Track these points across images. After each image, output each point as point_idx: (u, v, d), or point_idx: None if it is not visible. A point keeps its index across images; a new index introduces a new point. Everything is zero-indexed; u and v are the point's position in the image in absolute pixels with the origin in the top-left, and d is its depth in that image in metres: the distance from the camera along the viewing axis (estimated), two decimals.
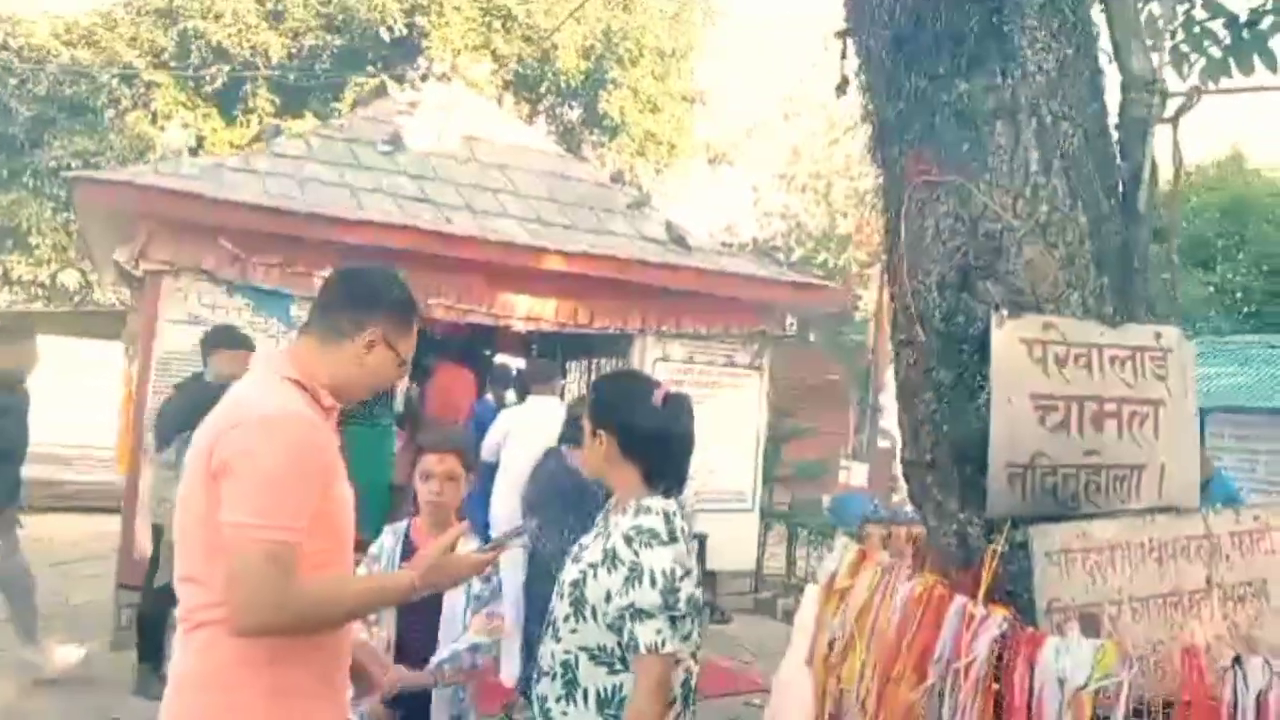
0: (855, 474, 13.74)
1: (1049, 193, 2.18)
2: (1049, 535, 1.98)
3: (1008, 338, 2.03)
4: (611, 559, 2.02)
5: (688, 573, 2.02)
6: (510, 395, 6.72)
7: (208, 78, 13.47)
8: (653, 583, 1.95)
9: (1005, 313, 2.06)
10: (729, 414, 7.67)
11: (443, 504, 2.71)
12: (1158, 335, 2.24)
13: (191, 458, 1.80)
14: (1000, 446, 1.99)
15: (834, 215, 15.20)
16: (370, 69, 13.68)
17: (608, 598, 1.99)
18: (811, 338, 14.61)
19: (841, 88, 2.71)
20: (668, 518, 2.08)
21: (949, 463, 2.14)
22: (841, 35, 2.64)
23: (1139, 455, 2.12)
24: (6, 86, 13.20)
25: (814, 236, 15.26)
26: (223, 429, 1.75)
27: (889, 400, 10.70)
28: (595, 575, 2.03)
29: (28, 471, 8.75)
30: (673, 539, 2.04)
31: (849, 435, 14.54)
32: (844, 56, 2.65)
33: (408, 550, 2.67)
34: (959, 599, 1.96)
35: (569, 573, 2.13)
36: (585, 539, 2.22)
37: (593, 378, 9.11)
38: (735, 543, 7.81)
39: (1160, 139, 2.51)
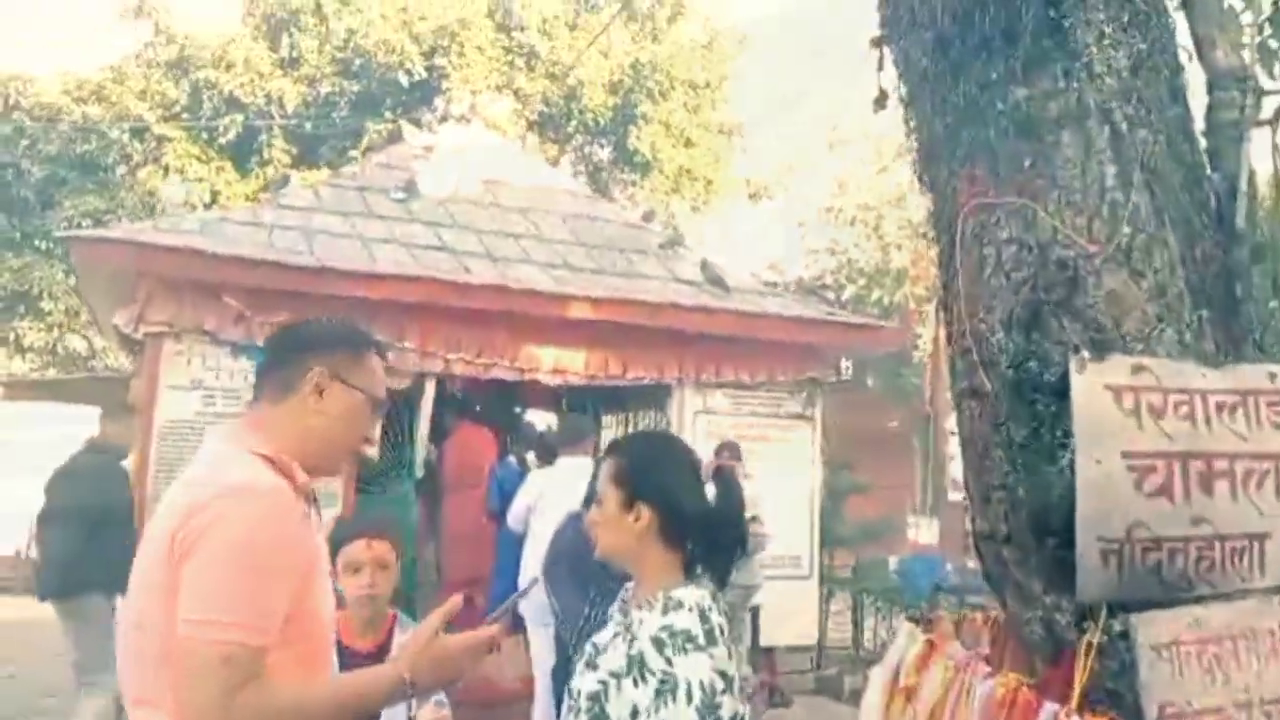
0: (924, 531, 13.31)
1: (1130, 211, 2.01)
2: (1155, 624, 1.78)
3: (1091, 385, 1.85)
4: (639, 668, 1.81)
5: (729, 683, 1.81)
6: (531, 456, 6.57)
7: (221, 129, 13.79)
8: (689, 698, 1.74)
9: (1086, 355, 1.88)
10: (779, 470, 7.44)
11: (376, 597, 2.53)
12: (1272, 375, 2.02)
13: (146, 548, 1.67)
14: (1089, 517, 1.80)
15: (887, 248, 14.97)
16: (388, 115, 13.90)
17: (634, 715, 1.78)
18: (869, 383, 14.32)
19: (879, 102, 2.57)
20: (703, 615, 1.86)
21: (1028, 537, 1.95)
22: (877, 43, 2.49)
23: (1259, 522, 1.90)
24: (18, 148, 13.63)
25: (866, 272, 15.03)
26: (185, 511, 1.62)
27: (956, 448, 10.35)
28: (619, 688, 1.82)
29: (27, 552, 8.73)
30: (711, 641, 1.83)
31: (915, 488, 14.13)
32: (880, 68, 2.50)
33: (341, 655, 2.46)
34: (1049, 707, 1.73)
35: (584, 682, 1.90)
36: (600, 637, 2.01)
37: (629, 433, 8.94)
38: (793, 614, 7.52)
39: (1254, 144, 2.32)
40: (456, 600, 1.84)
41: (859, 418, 11.62)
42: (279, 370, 1.82)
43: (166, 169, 13.60)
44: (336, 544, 2.57)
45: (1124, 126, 2.06)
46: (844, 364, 8.51)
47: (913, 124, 2.41)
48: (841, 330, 7.98)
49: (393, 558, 2.58)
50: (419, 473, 6.77)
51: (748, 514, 6.57)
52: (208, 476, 1.68)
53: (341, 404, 1.80)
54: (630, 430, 9.17)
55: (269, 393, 1.81)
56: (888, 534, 10.36)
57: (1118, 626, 1.81)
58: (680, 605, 1.87)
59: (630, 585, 2.03)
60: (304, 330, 1.91)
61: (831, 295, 14.34)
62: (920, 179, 2.43)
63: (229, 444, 1.76)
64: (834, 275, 15.38)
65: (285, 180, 8.28)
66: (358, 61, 14.63)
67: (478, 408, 8.19)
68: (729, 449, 6.30)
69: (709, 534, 1.96)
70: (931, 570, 8.27)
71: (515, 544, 5.75)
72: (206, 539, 1.56)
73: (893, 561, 9.74)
